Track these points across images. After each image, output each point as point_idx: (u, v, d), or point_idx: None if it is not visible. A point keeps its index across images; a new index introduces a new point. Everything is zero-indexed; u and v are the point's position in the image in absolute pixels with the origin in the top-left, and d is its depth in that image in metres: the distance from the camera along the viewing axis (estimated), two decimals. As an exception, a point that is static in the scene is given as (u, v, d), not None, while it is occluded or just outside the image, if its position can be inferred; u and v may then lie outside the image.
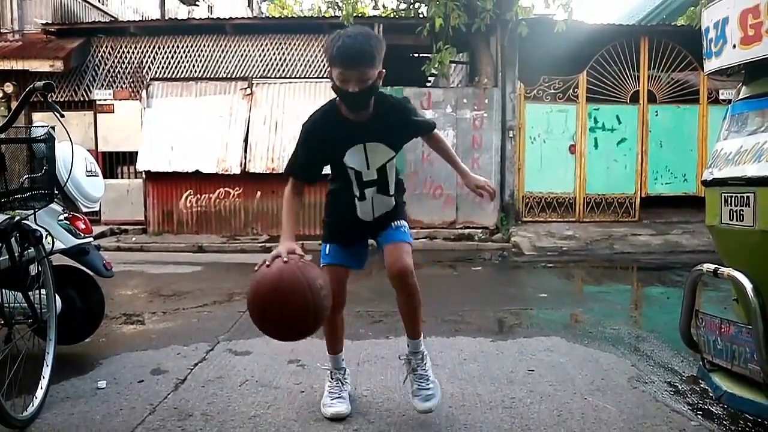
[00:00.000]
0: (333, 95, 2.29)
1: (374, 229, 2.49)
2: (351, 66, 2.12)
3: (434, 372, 2.97)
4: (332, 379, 2.58)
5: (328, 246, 2.51)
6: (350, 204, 2.43)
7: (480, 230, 8.89)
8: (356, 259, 2.53)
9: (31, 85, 2.32)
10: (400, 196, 2.55)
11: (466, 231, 8.86)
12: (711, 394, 2.36)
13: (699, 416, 2.50)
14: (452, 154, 2.60)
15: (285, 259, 2.09)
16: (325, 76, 9.45)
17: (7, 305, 2.44)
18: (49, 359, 2.64)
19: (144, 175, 9.34)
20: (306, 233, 8.34)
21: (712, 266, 2.04)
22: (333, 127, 2.30)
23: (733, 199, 2.03)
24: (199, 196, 9.30)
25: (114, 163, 9.90)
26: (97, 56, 9.90)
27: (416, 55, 10.89)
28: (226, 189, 9.26)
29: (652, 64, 9.34)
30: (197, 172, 9.10)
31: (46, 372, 2.60)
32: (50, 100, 2.42)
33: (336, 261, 2.47)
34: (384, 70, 2.22)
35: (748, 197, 1.96)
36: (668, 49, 9.21)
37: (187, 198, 9.31)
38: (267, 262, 2.11)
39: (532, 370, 3.06)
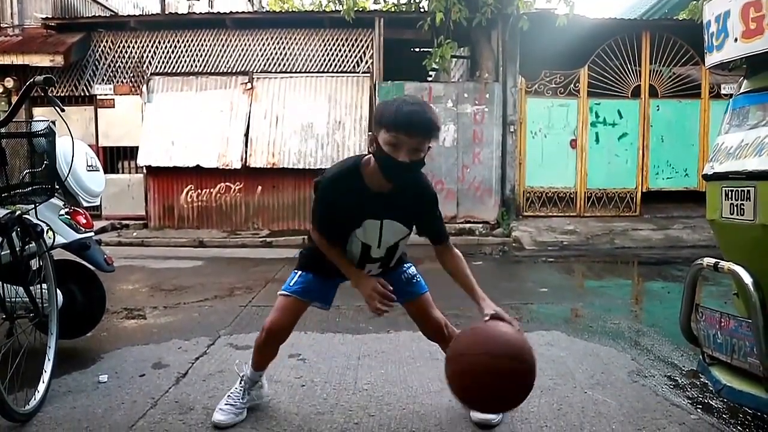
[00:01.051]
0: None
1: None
2: (415, 133, 1.91)
3: (434, 366, 3.00)
4: (240, 383, 2.44)
5: (298, 274, 2.33)
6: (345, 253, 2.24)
7: (481, 225, 8.89)
8: (326, 296, 2.38)
9: (32, 80, 2.32)
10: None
11: (467, 225, 8.86)
12: (710, 388, 2.37)
13: (699, 410, 2.51)
14: (468, 274, 2.27)
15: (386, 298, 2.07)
16: (326, 70, 9.44)
17: (8, 300, 2.45)
18: (50, 353, 2.65)
19: (145, 170, 9.35)
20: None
21: (713, 260, 2.04)
22: (352, 194, 2.10)
23: (733, 193, 2.03)
24: (199, 191, 9.30)
25: (115, 158, 9.91)
26: (97, 51, 9.89)
27: (417, 49, 10.87)
28: (227, 184, 9.26)
29: (654, 59, 9.31)
30: (198, 166, 9.11)
31: (48, 366, 2.61)
32: (50, 95, 2.41)
33: (302, 296, 2.30)
34: (432, 146, 2.01)
35: (748, 191, 1.96)
36: (670, 43, 9.18)
37: (187, 193, 9.32)
38: (380, 307, 2.08)
39: (533, 364, 3.06)
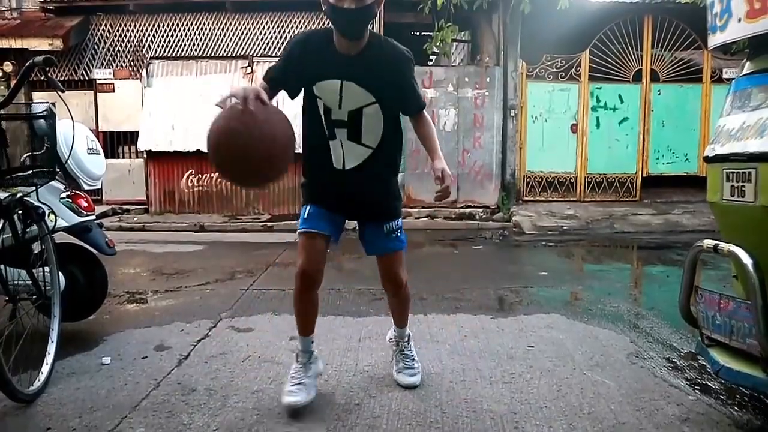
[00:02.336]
0: None
1: (360, 211, 2.39)
2: None
3: (435, 348, 3.02)
4: (297, 361, 2.41)
5: (308, 208, 2.34)
6: (323, 147, 2.28)
7: (481, 209, 8.89)
8: (334, 227, 2.37)
9: (31, 60, 2.31)
10: (390, 172, 2.41)
11: (467, 210, 8.86)
12: (709, 370, 2.39)
13: (696, 391, 2.53)
14: (433, 138, 2.36)
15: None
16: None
17: (11, 282, 2.46)
18: (53, 335, 2.67)
19: (145, 155, 9.32)
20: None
21: (713, 242, 2.05)
22: (318, 49, 2.16)
23: (734, 175, 2.03)
24: (200, 175, 9.28)
25: (115, 143, 9.88)
26: (96, 35, 9.82)
27: (417, 33, 10.79)
28: (227, 168, 9.23)
29: (656, 43, 9.24)
30: (198, 151, 9.05)
31: (51, 348, 2.63)
32: (50, 76, 2.40)
33: (315, 227, 2.30)
34: None
35: (749, 173, 1.96)
36: (672, 27, 9.11)
37: (188, 177, 9.30)
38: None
39: (532, 347, 3.08)
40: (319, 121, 2.26)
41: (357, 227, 2.49)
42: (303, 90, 2.27)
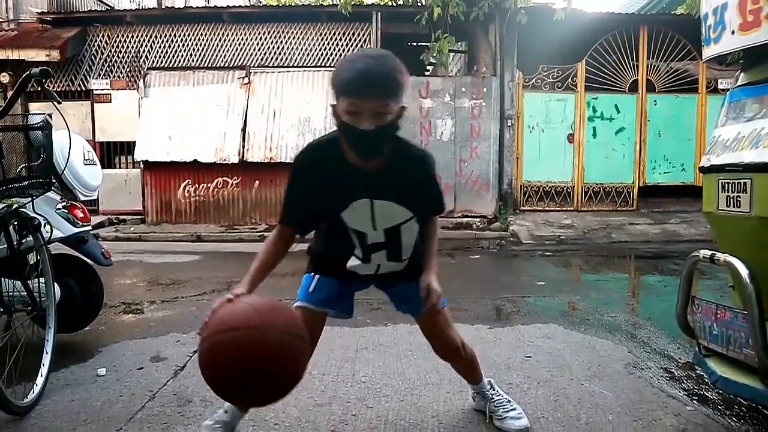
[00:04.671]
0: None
1: (389, 281, 2.06)
2: (369, 94, 1.61)
3: (432, 358, 2.99)
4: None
5: (315, 279, 2.00)
6: (346, 256, 1.95)
7: (478, 219, 8.90)
8: (346, 305, 2.07)
9: (28, 72, 2.31)
10: (417, 256, 2.03)
11: (465, 220, 8.87)
12: (706, 380, 2.38)
13: (695, 401, 2.52)
14: (434, 246, 2.06)
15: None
16: (323, 64, 9.42)
17: (6, 293, 2.45)
18: (48, 347, 2.65)
19: (142, 165, 9.33)
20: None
21: (709, 252, 2.05)
22: (332, 168, 1.80)
23: (730, 185, 2.04)
24: (197, 185, 9.29)
25: (112, 153, 9.89)
26: (93, 45, 9.85)
27: (414, 44, 10.84)
28: (224, 178, 9.25)
29: (651, 54, 9.31)
30: (195, 161, 9.09)
31: (46, 359, 2.62)
32: (47, 88, 2.40)
33: (320, 305, 1.99)
34: (406, 107, 1.71)
35: (745, 183, 1.97)
36: (667, 38, 9.18)
37: (185, 188, 9.30)
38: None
39: (530, 357, 3.08)
40: (347, 240, 1.91)
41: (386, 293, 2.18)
42: (324, 220, 1.94)
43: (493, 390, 2.34)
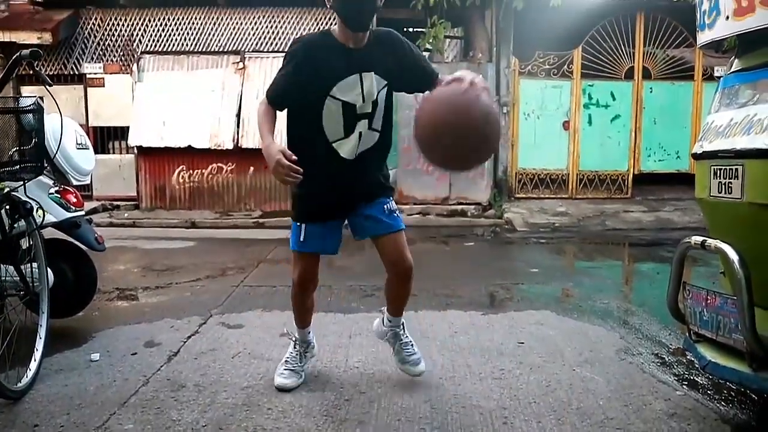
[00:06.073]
0: None
1: (356, 200, 2.35)
2: None
3: (425, 344, 3.02)
4: (294, 348, 2.59)
5: (303, 228, 2.35)
6: (326, 152, 2.27)
7: (473, 206, 8.90)
8: (332, 242, 2.41)
9: (18, 53, 2.29)
10: (386, 152, 2.40)
11: (459, 207, 8.87)
12: (696, 365, 2.40)
13: (684, 386, 2.55)
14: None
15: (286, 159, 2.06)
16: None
17: (-2, 278, 2.44)
18: (42, 332, 2.65)
19: (136, 151, 9.27)
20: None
21: (700, 239, 2.06)
22: (328, 52, 2.18)
23: (722, 171, 2.04)
24: (191, 171, 9.25)
25: (105, 139, 9.82)
26: (86, 28, 9.74)
27: (410, 29, 10.77)
28: (219, 164, 9.21)
29: (648, 41, 9.27)
30: (189, 147, 9.04)
31: (40, 344, 2.62)
32: (38, 70, 2.38)
33: (311, 249, 2.37)
34: None
35: (736, 169, 1.97)
36: (664, 25, 9.14)
37: (179, 173, 9.26)
38: (285, 179, 2.08)
39: (522, 343, 3.10)
40: (319, 129, 2.25)
41: (350, 223, 2.44)
42: (303, 101, 2.25)
43: (405, 333, 2.59)
